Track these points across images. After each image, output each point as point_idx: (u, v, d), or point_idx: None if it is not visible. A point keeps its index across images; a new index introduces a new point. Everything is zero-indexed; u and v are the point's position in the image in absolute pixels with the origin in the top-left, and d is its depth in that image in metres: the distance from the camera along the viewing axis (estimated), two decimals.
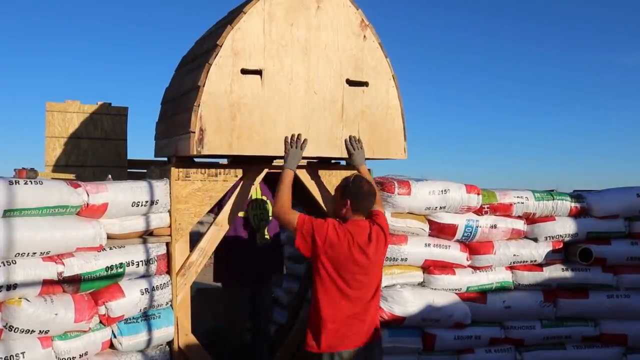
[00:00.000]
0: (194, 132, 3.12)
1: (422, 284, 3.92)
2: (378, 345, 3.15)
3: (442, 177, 3.95)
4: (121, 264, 2.99)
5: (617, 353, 4.20)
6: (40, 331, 2.67)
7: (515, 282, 4.06)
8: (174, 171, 3.30)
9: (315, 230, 2.96)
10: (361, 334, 3.02)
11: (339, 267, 2.95)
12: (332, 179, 3.68)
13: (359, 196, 3.06)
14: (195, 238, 3.50)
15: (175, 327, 3.29)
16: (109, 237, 3.00)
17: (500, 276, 4.03)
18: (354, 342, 2.99)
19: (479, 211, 3.98)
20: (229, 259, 4.10)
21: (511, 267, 4.08)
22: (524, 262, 4.07)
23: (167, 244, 3.30)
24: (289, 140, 3.30)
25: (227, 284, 4.32)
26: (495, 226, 3.99)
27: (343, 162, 3.90)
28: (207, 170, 3.40)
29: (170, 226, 3.29)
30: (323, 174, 3.67)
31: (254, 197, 3.96)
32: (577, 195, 4.22)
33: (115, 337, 3.02)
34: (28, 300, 2.62)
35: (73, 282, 2.79)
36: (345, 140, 3.51)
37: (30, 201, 2.63)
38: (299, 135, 3.31)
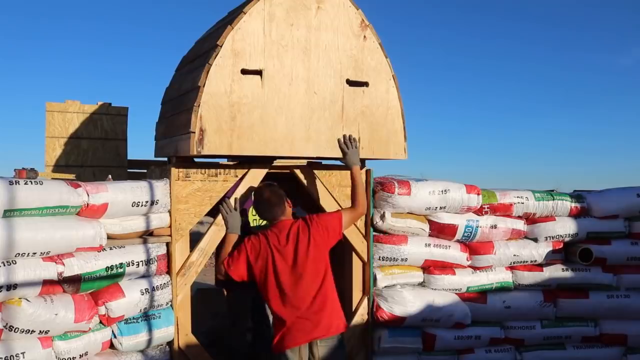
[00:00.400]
0: (194, 132, 3.12)
1: (422, 284, 3.92)
2: (336, 339, 3.13)
3: (442, 177, 3.96)
4: (121, 264, 2.98)
5: (617, 353, 4.20)
6: (40, 331, 2.67)
7: (516, 282, 4.06)
8: (174, 171, 3.30)
9: (236, 261, 3.07)
10: (310, 331, 3.00)
11: (267, 273, 3.03)
12: (332, 179, 3.68)
13: (258, 205, 3.21)
14: (195, 238, 3.50)
15: (175, 327, 3.29)
16: (109, 237, 3.00)
17: (500, 276, 4.03)
18: (299, 340, 2.99)
19: (479, 211, 3.98)
20: None
21: (511, 267, 4.08)
22: (524, 262, 4.07)
23: (167, 244, 3.30)
24: (225, 206, 3.33)
25: (228, 289, 4.31)
26: (495, 226, 3.99)
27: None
28: (207, 170, 3.40)
29: (170, 226, 3.29)
30: (322, 174, 3.67)
31: None
32: (577, 196, 4.22)
33: (115, 337, 3.02)
34: (28, 301, 2.62)
35: (73, 282, 2.79)
36: (339, 140, 3.48)
37: (30, 201, 2.63)
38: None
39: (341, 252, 3.82)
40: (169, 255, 3.30)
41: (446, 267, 3.92)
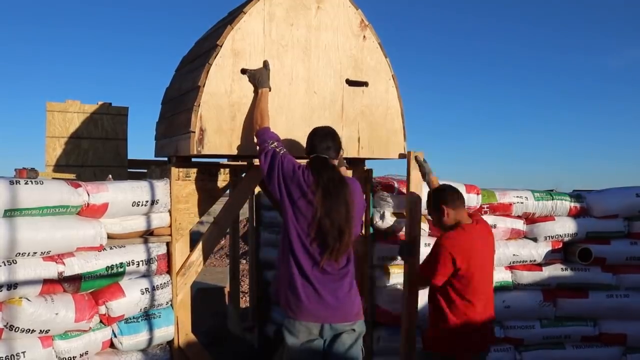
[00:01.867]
0: (194, 132, 3.12)
1: None
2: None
3: (442, 177, 3.96)
4: (121, 263, 2.99)
5: (616, 353, 4.20)
6: (40, 331, 2.68)
7: (515, 281, 4.07)
8: (174, 171, 3.31)
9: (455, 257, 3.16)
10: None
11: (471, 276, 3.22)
12: None
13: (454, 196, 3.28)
14: (195, 238, 3.51)
15: (176, 326, 3.30)
16: (110, 236, 3.00)
17: (499, 276, 4.03)
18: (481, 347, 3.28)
19: (479, 211, 3.98)
20: None
21: (511, 267, 4.08)
22: (523, 261, 4.07)
23: (168, 244, 3.30)
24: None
25: None
26: (494, 226, 3.99)
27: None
28: (207, 169, 3.40)
29: (170, 226, 3.30)
30: None
31: None
32: (576, 195, 4.22)
33: (115, 336, 3.03)
34: (29, 300, 2.62)
35: (73, 282, 2.80)
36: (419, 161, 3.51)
37: (30, 201, 2.64)
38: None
39: None
40: (169, 255, 3.30)
41: None
